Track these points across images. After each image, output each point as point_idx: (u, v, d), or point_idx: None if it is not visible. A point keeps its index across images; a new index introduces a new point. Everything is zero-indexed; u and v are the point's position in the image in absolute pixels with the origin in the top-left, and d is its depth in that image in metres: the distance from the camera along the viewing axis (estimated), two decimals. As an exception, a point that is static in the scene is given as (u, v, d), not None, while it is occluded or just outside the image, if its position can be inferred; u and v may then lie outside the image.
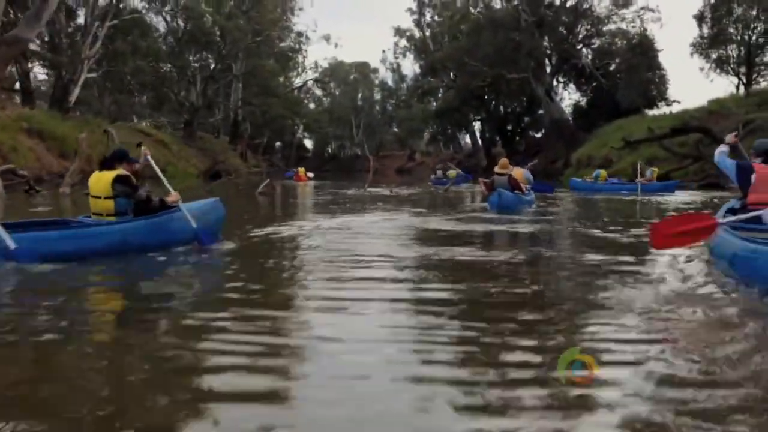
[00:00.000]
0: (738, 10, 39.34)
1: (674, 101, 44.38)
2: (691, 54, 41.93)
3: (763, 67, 40.51)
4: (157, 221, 6.82)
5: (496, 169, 14.72)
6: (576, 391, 2.82)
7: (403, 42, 66.11)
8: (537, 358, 3.36)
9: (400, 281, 5.53)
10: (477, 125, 60.67)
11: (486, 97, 54.24)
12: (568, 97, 54.34)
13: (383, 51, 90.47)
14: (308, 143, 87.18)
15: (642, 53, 44.08)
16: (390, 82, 77.92)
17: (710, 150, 23.65)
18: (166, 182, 7.47)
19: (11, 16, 27.92)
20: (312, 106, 77.73)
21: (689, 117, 30.66)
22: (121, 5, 36.35)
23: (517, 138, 56.67)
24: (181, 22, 46.71)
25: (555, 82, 50.60)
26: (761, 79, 40.20)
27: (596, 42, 49.09)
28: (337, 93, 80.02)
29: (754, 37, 39.30)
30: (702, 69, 42.34)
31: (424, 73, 59.63)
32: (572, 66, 47.95)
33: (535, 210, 13.82)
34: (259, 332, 3.80)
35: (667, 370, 3.10)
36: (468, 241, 8.31)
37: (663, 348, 3.45)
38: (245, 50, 48.69)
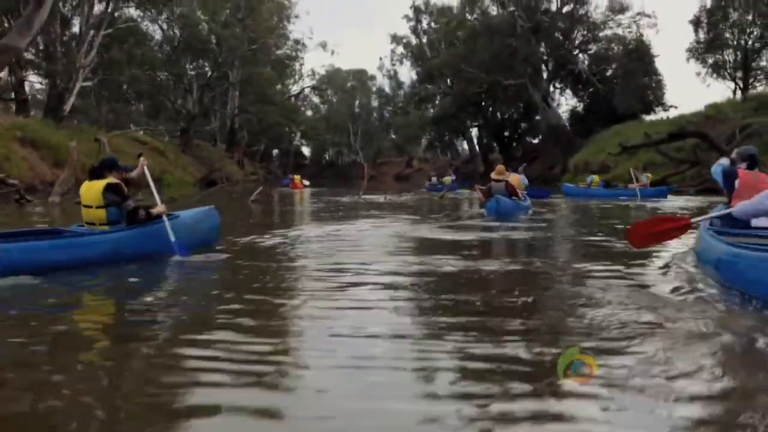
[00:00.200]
0: (734, 15, 39.36)
1: (671, 106, 44.55)
2: (688, 59, 42.10)
3: (759, 72, 40.52)
4: (150, 230, 6.83)
5: (493, 175, 14.71)
6: (576, 392, 2.80)
7: (400, 49, 66.29)
8: (537, 359, 3.31)
9: (394, 290, 5.39)
10: (474, 131, 60.77)
11: (483, 103, 54.30)
12: (565, 102, 54.47)
13: (380, 58, 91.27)
14: (306, 150, 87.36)
15: (638, 59, 44.15)
16: (387, 89, 78.26)
17: (707, 155, 23.68)
18: (156, 193, 7.43)
19: (6, 25, 27.89)
20: (309, 113, 77.90)
21: (686, 122, 30.59)
22: (116, 14, 36.27)
23: (514, 144, 56.70)
24: (177, 31, 46.66)
25: (552, 88, 50.66)
26: (758, 84, 40.25)
27: (593, 48, 49.19)
28: (334, 100, 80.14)
29: (750, 42, 39.33)
30: (698, 74, 42.46)
31: (421, 79, 59.78)
32: (569, 72, 47.99)
33: (532, 217, 13.76)
34: (250, 344, 3.69)
35: (663, 374, 3.08)
36: (464, 249, 8.17)
37: (654, 352, 3.42)
38: (241, 58, 48.67)
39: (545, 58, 48.77)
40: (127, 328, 4.33)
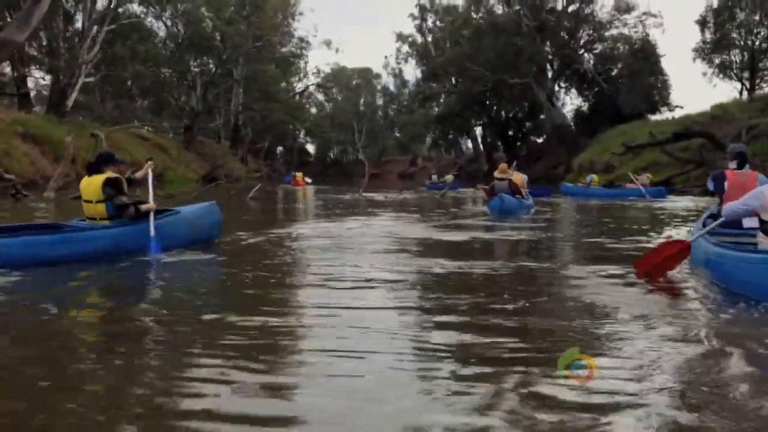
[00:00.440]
0: (741, 15, 39.05)
1: (677, 106, 44.26)
2: (694, 59, 41.82)
3: (766, 72, 40.17)
4: (149, 226, 6.81)
5: (496, 174, 14.80)
6: (575, 391, 2.77)
7: (405, 47, 66.30)
8: (536, 359, 3.26)
9: (389, 290, 5.28)
10: (478, 130, 60.50)
11: (487, 102, 54.09)
12: (570, 102, 54.32)
13: (385, 56, 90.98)
14: (310, 148, 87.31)
15: (644, 58, 43.91)
16: (392, 88, 78.33)
17: (713, 155, 23.44)
18: (151, 193, 7.37)
19: (9, 20, 27.77)
20: (314, 111, 77.76)
21: (692, 122, 30.33)
22: (119, 10, 36.18)
23: (519, 143, 56.44)
24: (181, 27, 46.54)
25: (557, 87, 50.46)
26: (765, 84, 39.92)
27: (598, 47, 48.94)
28: (339, 98, 79.98)
29: (757, 42, 39.03)
30: (705, 74, 42.28)
31: (426, 78, 59.60)
32: (574, 71, 47.76)
33: (534, 216, 13.71)
34: (243, 344, 3.61)
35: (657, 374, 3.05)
36: (464, 248, 8.10)
37: (649, 352, 3.39)
38: (246, 55, 48.49)
39: (550, 57, 48.54)
40: (121, 326, 4.21)
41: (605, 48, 48.53)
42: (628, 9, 46.73)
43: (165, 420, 2.57)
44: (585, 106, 51.24)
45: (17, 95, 31.21)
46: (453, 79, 55.42)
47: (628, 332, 3.84)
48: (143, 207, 6.87)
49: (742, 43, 39.56)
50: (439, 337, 3.70)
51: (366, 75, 79.12)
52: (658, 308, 4.47)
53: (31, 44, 32.18)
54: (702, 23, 40.49)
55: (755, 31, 38.97)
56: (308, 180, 35.16)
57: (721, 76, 41.20)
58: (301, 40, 58.08)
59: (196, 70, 48.99)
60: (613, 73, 46.99)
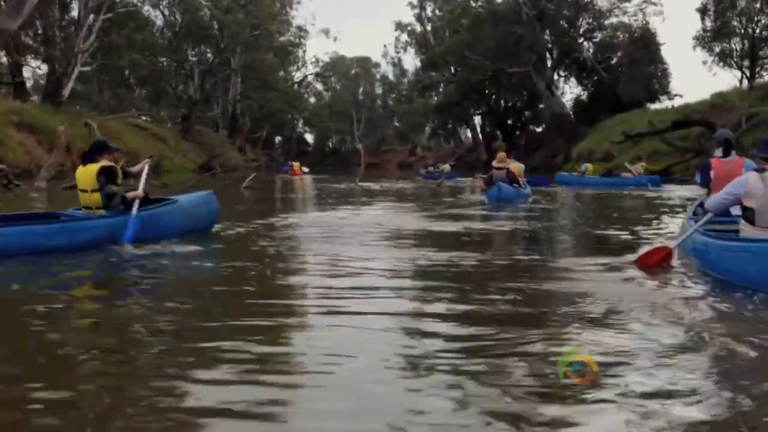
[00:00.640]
0: (741, 3, 38.71)
1: (676, 95, 44.01)
2: (694, 47, 41.54)
3: (766, 61, 39.96)
4: (147, 215, 6.88)
5: (494, 163, 15.09)
6: (575, 392, 2.75)
7: (404, 36, 66.02)
8: (535, 359, 3.21)
9: (380, 280, 5.24)
10: (477, 120, 60.29)
11: (487, 91, 53.88)
12: (570, 91, 53.98)
13: (384, 45, 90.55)
14: (309, 137, 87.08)
15: (644, 47, 43.66)
16: (391, 77, 77.89)
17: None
18: (142, 183, 7.29)
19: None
20: (312, 100, 77.48)
21: (691, 111, 30.18)
22: (115, -2, 35.93)
23: (518, 132, 56.24)
24: (178, 16, 46.27)
25: (556, 76, 50.23)
26: (765, 73, 39.71)
27: (598, 35, 48.65)
28: (338, 87, 79.63)
29: (758, 30, 38.76)
30: (705, 62, 42.01)
31: (425, 67, 59.27)
32: (573, 60, 47.49)
33: (532, 205, 13.72)
34: (235, 338, 3.56)
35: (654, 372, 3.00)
36: (462, 238, 8.03)
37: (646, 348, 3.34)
38: (243, 44, 48.21)
39: (550, 45, 48.29)
40: (114, 320, 4.15)
41: (605, 36, 48.25)
42: (628, -3, 46.43)
43: (161, 416, 2.52)
44: (584, 95, 51.02)
45: (12, 84, 31.00)
46: (452, 68, 55.17)
47: (618, 324, 3.81)
48: (130, 194, 6.85)
49: (742, 31, 39.30)
50: (434, 329, 3.67)
51: (365, 64, 78.72)
52: (646, 298, 4.47)
53: (27, 33, 31.94)
54: (702, 11, 40.20)
55: (756, 19, 38.68)
56: (305, 169, 35.27)
57: (721, 64, 40.96)
58: (300, 29, 57.85)
59: (194, 59, 48.79)
60: (613, 62, 46.74)
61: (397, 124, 79.96)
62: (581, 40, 48.16)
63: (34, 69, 43.18)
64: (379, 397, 2.75)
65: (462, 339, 3.54)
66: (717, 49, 40.58)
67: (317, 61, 68.78)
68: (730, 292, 4.49)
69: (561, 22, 46.88)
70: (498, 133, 57.43)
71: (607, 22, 47.99)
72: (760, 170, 5.03)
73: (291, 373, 3.04)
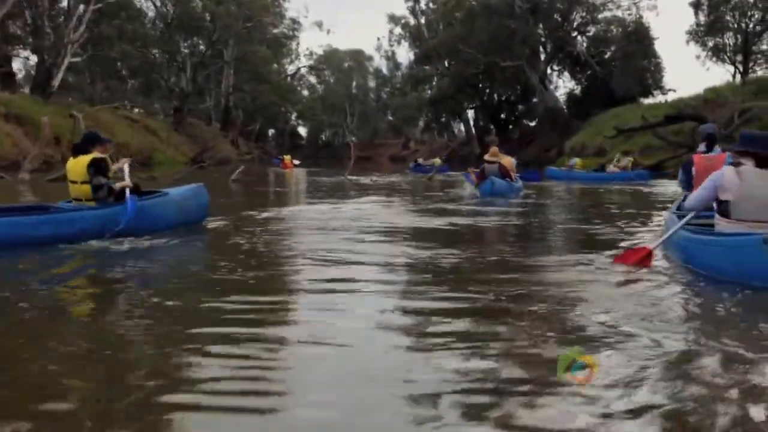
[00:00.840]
0: (735, -2, 38.75)
1: (670, 90, 43.97)
2: (687, 42, 41.44)
3: (759, 56, 40.05)
4: (138, 206, 6.78)
5: (487, 157, 15.12)
6: (574, 392, 2.70)
7: (398, 29, 65.71)
8: (536, 359, 3.17)
9: (369, 273, 5.20)
10: (471, 113, 60.14)
11: (480, 85, 53.75)
12: (563, 85, 54.13)
13: (378, 38, 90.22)
14: (302, 131, 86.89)
15: (637, 41, 43.59)
16: (385, 70, 77.86)
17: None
18: (127, 174, 7.18)
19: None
20: (306, 93, 77.25)
21: (684, 105, 30.14)
22: (106, -12, 35.55)
23: (511, 126, 56.16)
24: (170, 7, 45.92)
25: (549, 70, 50.13)
26: (758, 68, 39.81)
27: (591, 29, 48.52)
28: (331, 80, 79.43)
29: (751, 25, 38.75)
30: (698, 57, 41.99)
31: (419, 60, 59.06)
32: (567, 54, 47.43)
33: (523, 200, 13.71)
34: (231, 330, 3.56)
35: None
36: (453, 233, 7.98)
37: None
38: (236, 36, 47.86)
39: (543, 39, 48.17)
40: (105, 315, 4.10)
41: (598, 30, 48.15)
42: (622, -9, 46.34)
43: (157, 413, 2.49)
44: (578, 89, 50.95)
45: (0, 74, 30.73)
46: (446, 62, 55.00)
47: (607, 322, 3.75)
48: (117, 185, 6.87)
49: (735, 26, 39.30)
50: (428, 328, 3.62)
51: (358, 57, 78.54)
52: (629, 295, 4.44)
53: (15, 23, 31.63)
54: (696, 5, 40.14)
55: (749, 13, 38.66)
56: (296, 162, 35.44)
57: (714, 59, 40.99)
58: (293, 21, 57.61)
59: (186, 50, 48.45)
60: (606, 56, 46.70)
61: (390, 117, 79.84)
62: (575, 34, 48.07)
63: (25, 60, 42.90)
64: (369, 389, 2.74)
65: (453, 335, 3.49)
66: (710, 44, 40.58)
67: (311, 53, 68.78)
68: (714, 287, 4.50)
69: (554, 15, 46.75)
70: (491, 126, 57.30)
71: (600, 16, 47.88)
72: (736, 164, 5.02)
73: (282, 368, 3.03)
